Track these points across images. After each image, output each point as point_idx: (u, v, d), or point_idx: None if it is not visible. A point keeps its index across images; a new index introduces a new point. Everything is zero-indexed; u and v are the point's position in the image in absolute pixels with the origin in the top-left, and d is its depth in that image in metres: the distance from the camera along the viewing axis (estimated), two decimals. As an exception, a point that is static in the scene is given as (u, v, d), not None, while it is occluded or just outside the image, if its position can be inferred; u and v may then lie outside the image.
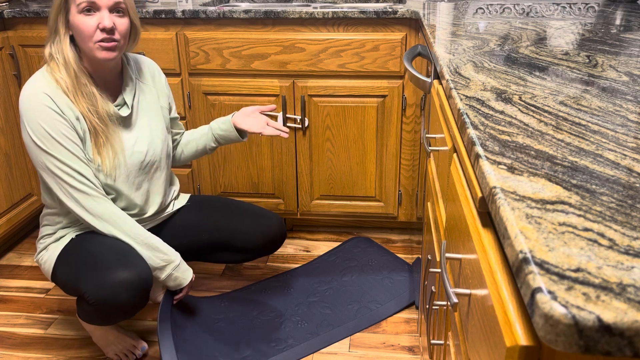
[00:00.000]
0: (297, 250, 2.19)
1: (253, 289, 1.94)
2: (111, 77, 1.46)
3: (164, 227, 1.66)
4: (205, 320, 1.75)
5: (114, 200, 1.48)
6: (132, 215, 1.51)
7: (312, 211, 2.21)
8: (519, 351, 0.47)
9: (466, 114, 0.79)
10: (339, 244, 2.21)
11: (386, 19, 1.91)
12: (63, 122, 1.36)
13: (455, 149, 0.91)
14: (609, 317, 0.39)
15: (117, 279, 1.33)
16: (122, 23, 1.38)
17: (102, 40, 1.35)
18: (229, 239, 1.65)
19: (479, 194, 0.67)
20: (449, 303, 0.79)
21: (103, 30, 1.34)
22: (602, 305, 0.40)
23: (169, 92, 1.62)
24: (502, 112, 0.80)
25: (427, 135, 1.29)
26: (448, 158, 0.97)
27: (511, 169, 0.61)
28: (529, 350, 0.47)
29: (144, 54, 1.99)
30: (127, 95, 1.49)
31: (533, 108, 0.82)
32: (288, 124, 2.06)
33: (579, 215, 0.52)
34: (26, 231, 2.33)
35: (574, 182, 0.58)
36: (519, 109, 0.82)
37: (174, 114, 1.66)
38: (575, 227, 0.50)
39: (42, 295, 1.94)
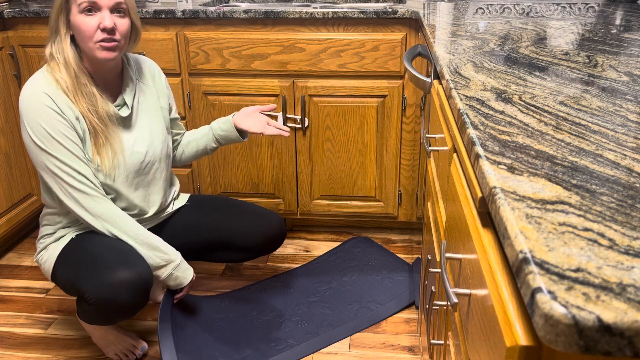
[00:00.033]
0: (297, 250, 2.19)
1: (253, 289, 1.94)
2: (111, 78, 1.46)
3: (164, 227, 1.66)
4: (206, 320, 1.75)
5: (114, 200, 1.48)
6: (132, 216, 1.51)
7: (312, 211, 2.21)
8: (519, 351, 0.47)
9: (466, 114, 0.79)
10: (339, 244, 2.21)
11: (386, 19, 1.91)
12: (63, 121, 1.36)
13: (455, 149, 0.92)
14: (609, 317, 0.39)
15: (117, 278, 1.33)
16: (123, 23, 1.38)
17: (102, 40, 1.35)
18: (229, 238, 1.65)
19: (479, 194, 0.67)
20: (449, 303, 0.79)
21: (104, 30, 1.34)
22: (602, 305, 0.40)
23: (169, 93, 1.62)
24: (502, 112, 0.80)
25: (427, 135, 1.29)
26: (448, 158, 0.97)
27: (511, 169, 0.61)
28: (529, 350, 0.47)
29: (144, 54, 2.00)
30: (127, 96, 1.49)
31: (533, 108, 0.82)
32: (288, 124, 2.06)
33: (579, 215, 0.52)
34: (26, 231, 2.33)
35: (574, 182, 0.58)
36: (519, 109, 0.82)
37: (174, 114, 1.66)
38: (575, 227, 0.50)
39: (42, 295, 1.94)
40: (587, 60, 1.11)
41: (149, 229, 1.58)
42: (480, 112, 0.80)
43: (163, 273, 1.47)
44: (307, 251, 2.18)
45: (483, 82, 0.96)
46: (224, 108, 2.08)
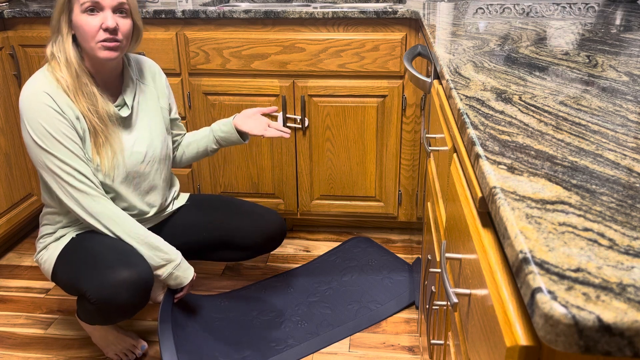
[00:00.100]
0: (297, 250, 2.19)
1: (253, 288, 1.94)
2: (112, 78, 1.47)
3: (164, 227, 1.66)
4: (206, 319, 1.75)
5: (113, 200, 1.48)
6: (132, 216, 1.51)
7: (312, 211, 2.21)
8: (519, 351, 0.47)
9: (466, 114, 0.79)
10: (339, 244, 2.21)
11: (386, 19, 1.91)
12: (63, 121, 1.36)
13: (455, 149, 0.92)
14: (609, 317, 0.39)
15: (117, 278, 1.33)
16: (125, 24, 1.38)
17: (104, 40, 1.35)
18: (229, 237, 1.65)
19: (479, 194, 0.67)
20: (449, 303, 0.79)
21: (106, 30, 1.34)
22: (602, 305, 0.40)
23: (169, 93, 1.62)
24: (502, 112, 0.80)
25: (427, 135, 1.29)
26: (448, 158, 0.97)
27: (511, 169, 0.61)
28: (529, 350, 0.47)
29: (144, 54, 2.00)
30: (128, 96, 1.49)
31: (533, 108, 0.82)
32: (288, 124, 2.06)
33: (579, 215, 0.52)
34: (26, 231, 2.33)
35: (574, 182, 0.58)
36: (519, 109, 0.82)
37: (175, 114, 1.66)
38: (575, 227, 0.50)
39: (42, 295, 1.94)
40: (587, 60, 1.11)
41: (149, 229, 1.58)
42: (480, 112, 0.80)
43: (163, 273, 1.47)
44: (307, 251, 2.18)
45: (483, 82, 0.96)
46: (224, 108, 2.08)
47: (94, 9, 1.34)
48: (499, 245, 0.62)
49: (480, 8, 1.91)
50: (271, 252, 2.17)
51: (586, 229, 0.49)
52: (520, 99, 0.86)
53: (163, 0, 2.12)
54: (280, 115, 2.04)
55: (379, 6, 1.95)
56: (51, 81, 1.37)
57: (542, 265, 0.44)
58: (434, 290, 1.02)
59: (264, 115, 1.73)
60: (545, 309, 0.40)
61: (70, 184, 1.38)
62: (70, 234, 1.49)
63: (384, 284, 1.94)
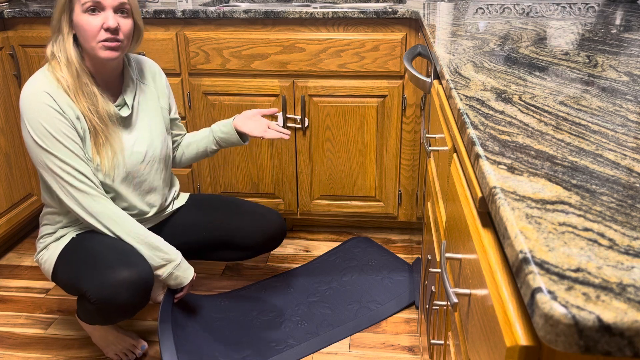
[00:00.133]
0: (297, 250, 2.19)
1: (253, 288, 1.94)
2: (112, 78, 1.47)
3: (164, 226, 1.66)
4: (206, 319, 1.75)
5: (114, 200, 1.48)
6: (132, 216, 1.51)
7: (312, 211, 2.21)
8: (519, 351, 0.47)
9: (466, 114, 0.79)
10: (339, 244, 2.21)
11: (386, 19, 1.91)
12: (63, 121, 1.36)
13: (455, 149, 0.92)
14: (609, 317, 0.39)
15: (117, 278, 1.33)
16: (126, 24, 1.38)
17: (105, 40, 1.35)
18: (229, 237, 1.65)
19: (479, 194, 0.67)
20: (449, 303, 0.79)
21: (107, 30, 1.34)
22: (602, 305, 0.40)
23: (169, 93, 1.62)
24: (502, 112, 0.80)
25: (427, 135, 1.29)
26: (448, 158, 0.97)
27: (511, 169, 0.61)
28: (529, 350, 0.47)
29: (144, 54, 2.00)
30: (128, 96, 1.49)
31: (533, 108, 0.82)
32: (288, 124, 2.06)
33: (579, 215, 0.52)
34: (26, 231, 2.33)
35: (574, 182, 0.58)
36: (519, 109, 0.82)
37: (174, 114, 1.66)
38: (575, 227, 0.50)
39: (42, 295, 1.94)
40: (587, 60, 1.11)
41: (149, 229, 1.58)
42: (480, 112, 0.80)
43: (163, 272, 1.47)
44: (307, 251, 2.18)
45: (483, 82, 0.96)
46: (224, 108, 2.08)
47: (95, 8, 1.34)
48: (499, 245, 0.62)
49: (480, 8, 1.91)
50: (271, 252, 2.17)
51: (586, 229, 0.50)
52: (520, 99, 0.86)
53: (163, 0, 2.12)
54: (280, 115, 2.04)
55: (379, 6, 1.95)
56: (51, 81, 1.37)
57: (542, 265, 0.44)
58: (434, 290, 1.02)
59: (264, 116, 1.73)
60: (545, 309, 0.40)
61: (70, 183, 1.38)
62: (70, 234, 1.49)
63: (384, 284, 1.94)
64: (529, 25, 1.53)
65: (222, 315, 1.79)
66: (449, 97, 0.95)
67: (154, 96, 1.56)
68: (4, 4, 2.14)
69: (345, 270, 2.02)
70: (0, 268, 2.10)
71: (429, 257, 1.15)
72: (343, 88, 2.00)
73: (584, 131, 0.72)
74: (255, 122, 1.63)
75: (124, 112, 1.47)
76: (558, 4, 1.97)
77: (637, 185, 0.57)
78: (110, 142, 1.43)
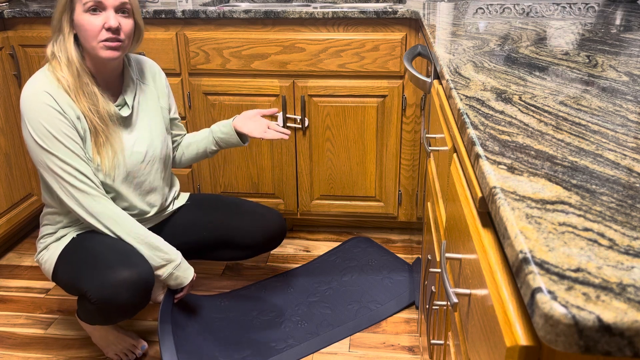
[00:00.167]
0: (297, 250, 2.19)
1: (253, 288, 1.94)
2: (113, 78, 1.47)
3: (165, 226, 1.66)
4: (206, 319, 1.75)
5: (114, 200, 1.48)
6: (133, 216, 1.52)
7: (312, 211, 2.21)
8: (519, 351, 0.47)
9: (466, 114, 0.79)
10: (339, 244, 2.21)
11: (386, 19, 1.91)
12: (64, 121, 1.36)
13: (455, 149, 0.92)
14: (609, 317, 0.39)
15: (118, 278, 1.33)
16: (127, 23, 1.38)
17: (106, 40, 1.35)
18: (229, 236, 1.65)
19: (479, 194, 0.67)
20: (449, 303, 0.79)
21: (109, 29, 1.34)
22: (602, 305, 0.40)
23: (168, 92, 1.62)
24: (502, 112, 0.80)
25: (427, 135, 1.29)
26: (448, 158, 0.97)
27: (511, 169, 0.61)
28: (529, 350, 0.47)
29: (144, 54, 2.00)
30: (128, 96, 1.49)
31: (533, 108, 0.82)
32: (288, 124, 2.06)
33: (579, 215, 0.52)
34: (26, 231, 2.33)
35: (574, 182, 0.58)
36: (519, 109, 0.82)
37: (174, 114, 1.66)
38: (575, 227, 0.50)
39: (42, 295, 1.94)
40: (587, 60, 1.11)
41: (149, 229, 1.58)
42: (480, 112, 0.80)
43: (164, 273, 1.47)
44: (307, 251, 2.18)
45: (483, 82, 0.96)
46: (224, 108, 2.08)
47: (97, 8, 1.34)
48: (499, 245, 0.62)
49: (480, 8, 1.91)
50: (271, 252, 2.17)
51: (586, 229, 0.50)
52: (520, 99, 0.86)
53: (163, 0, 2.12)
54: (280, 115, 2.04)
55: (379, 6, 1.95)
56: (52, 81, 1.37)
57: (542, 265, 0.44)
58: (434, 290, 1.02)
59: (264, 116, 1.73)
60: (545, 309, 0.40)
61: (71, 183, 1.38)
62: (70, 234, 1.49)
63: (384, 284, 1.94)
64: (529, 25, 1.53)
65: (222, 315, 1.80)
66: (449, 97, 0.95)
67: (154, 96, 1.56)
68: (4, 4, 2.14)
69: (345, 270, 2.03)
70: (0, 268, 2.10)
71: (429, 257, 1.15)
72: (343, 88, 2.00)
73: (584, 131, 0.72)
74: (255, 123, 1.62)
75: (124, 112, 1.47)
76: (558, 4, 1.97)
77: (637, 185, 0.57)
78: (110, 142, 1.43)
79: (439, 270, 0.86)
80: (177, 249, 1.54)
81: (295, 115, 2.05)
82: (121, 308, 1.35)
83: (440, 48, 1.25)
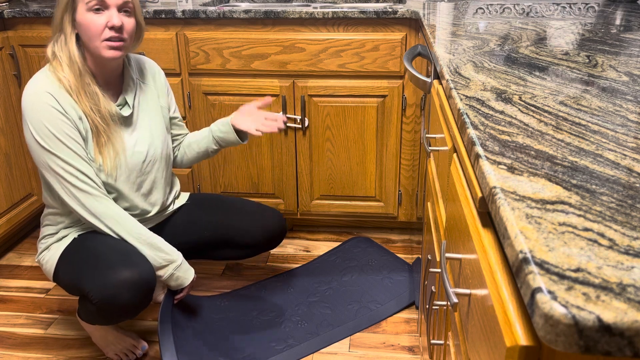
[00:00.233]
0: (297, 250, 2.19)
1: (253, 288, 1.94)
2: (113, 77, 1.47)
3: (165, 226, 1.66)
4: (206, 320, 1.75)
5: (116, 200, 1.48)
6: (134, 215, 1.52)
7: (312, 211, 2.21)
8: (519, 351, 0.47)
9: (466, 114, 0.79)
10: (339, 244, 2.21)
11: (386, 19, 1.91)
12: (66, 121, 1.36)
13: (455, 149, 0.92)
14: (609, 317, 0.39)
15: (119, 278, 1.33)
16: (129, 22, 1.39)
17: (110, 39, 1.35)
18: (230, 235, 1.65)
19: (479, 194, 0.67)
20: (449, 303, 0.79)
21: (112, 28, 1.34)
22: (602, 305, 0.40)
23: (168, 91, 1.62)
24: (502, 112, 0.80)
25: (427, 135, 1.29)
26: (448, 158, 0.97)
27: (511, 169, 0.61)
28: (529, 350, 0.47)
29: (144, 54, 2.00)
30: (129, 95, 1.49)
31: (533, 108, 0.82)
32: (288, 124, 2.06)
33: (579, 215, 0.52)
34: (26, 231, 2.33)
35: (574, 182, 0.58)
36: (519, 109, 0.82)
37: (175, 113, 1.65)
38: (575, 227, 0.50)
39: (42, 295, 1.94)
40: (587, 60, 1.11)
41: (150, 229, 1.58)
42: (480, 112, 0.80)
43: (165, 273, 1.47)
44: (307, 251, 2.18)
45: (483, 82, 0.96)
46: (224, 108, 2.08)
47: (100, 7, 1.34)
48: (499, 245, 0.62)
49: (480, 8, 1.91)
50: (271, 252, 2.17)
51: (586, 229, 0.50)
52: (520, 99, 0.87)
53: (163, 0, 2.12)
54: (280, 115, 2.04)
55: (379, 6, 1.95)
56: (53, 81, 1.37)
57: (542, 265, 0.44)
58: (434, 290, 1.02)
59: (261, 109, 1.69)
60: (545, 309, 0.40)
61: (73, 184, 1.38)
62: (72, 235, 1.49)
63: (384, 284, 1.94)
64: (529, 25, 1.53)
65: (222, 315, 1.80)
66: (449, 97, 0.95)
67: (154, 95, 1.56)
68: (4, 4, 2.14)
69: (345, 270, 2.03)
70: (0, 268, 2.10)
71: (429, 257, 1.15)
72: (343, 88, 2.00)
73: (584, 131, 0.72)
74: (252, 117, 1.61)
75: (125, 112, 1.47)
76: (558, 4, 1.97)
77: (637, 185, 0.57)
78: (112, 142, 1.43)
79: (439, 270, 0.86)
80: (178, 248, 1.54)
81: (295, 115, 2.05)
82: (122, 308, 1.35)
83: (440, 48, 1.25)
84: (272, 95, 2.03)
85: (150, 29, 2.00)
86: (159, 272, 1.46)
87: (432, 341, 0.95)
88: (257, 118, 1.60)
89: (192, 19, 1.98)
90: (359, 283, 1.95)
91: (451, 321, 0.85)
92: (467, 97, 0.88)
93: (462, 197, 0.78)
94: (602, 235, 0.49)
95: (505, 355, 0.48)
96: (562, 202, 0.54)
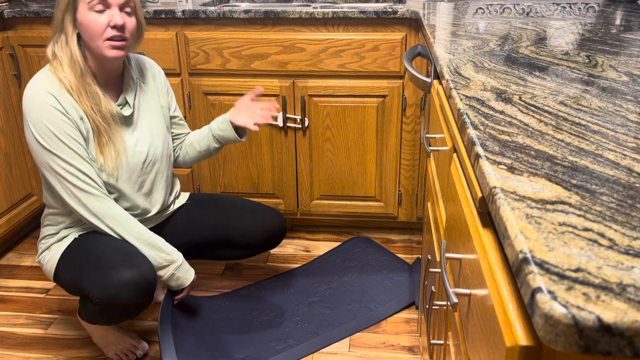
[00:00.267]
0: (297, 250, 2.19)
1: (253, 289, 1.94)
2: (113, 77, 1.47)
3: (165, 226, 1.66)
4: (206, 320, 1.75)
5: (116, 200, 1.48)
6: (135, 215, 1.52)
7: (312, 211, 2.21)
8: (519, 351, 0.47)
9: (466, 114, 0.79)
10: (339, 244, 2.21)
11: (386, 19, 1.91)
12: (67, 121, 1.36)
13: (455, 149, 0.92)
14: (609, 317, 0.39)
15: (120, 278, 1.33)
16: (131, 21, 1.39)
17: (112, 39, 1.35)
18: (229, 235, 1.65)
19: (479, 194, 0.67)
20: (449, 303, 0.79)
21: (114, 27, 1.34)
22: (602, 305, 0.40)
23: (168, 90, 1.62)
24: (502, 112, 0.80)
25: (427, 135, 1.29)
26: (448, 158, 0.97)
27: (511, 169, 0.61)
28: (529, 350, 0.47)
29: (144, 54, 2.00)
30: (129, 95, 1.49)
31: (533, 108, 0.82)
32: (288, 124, 2.06)
33: (579, 215, 0.52)
34: (26, 231, 2.33)
35: (574, 182, 0.58)
36: (519, 109, 0.82)
37: (175, 112, 1.65)
38: (575, 227, 0.50)
39: (42, 295, 1.94)
40: (587, 60, 1.11)
41: (150, 229, 1.58)
42: (480, 112, 0.80)
43: (165, 273, 1.47)
44: (307, 251, 2.18)
45: (483, 82, 0.96)
46: (224, 108, 2.08)
47: (102, 7, 1.34)
48: (499, 245, 0.62)
49: (480, 8, 1.91)
50: (271, 252, 2.17)
51: (586, 229, 0.50)
52: (520, 99, 0.87)
53: (163, 0, 2.12)
54: (280, 115, 2.04)
55: (379, 6, 1.95)
56: (54, 81, 1.37)
57: (542, 265, 0.44)
58: (434, 290, 1.02)
59: (255, 100, 1.68)
60: (545, 309, 0.40)
61: (74, 184, 1.38)
62: (73, 235, 1.49)
63: (384, 284, 1.94)
64: (529, 25, 1.53)
65: (222, 315, 1.80)
66: (449, 97, 0.95)
67: (154, 95, 1.56)
68: (4, 4, 2.14)
69: (345, 270, 2.03)
70: (0, 268, 2.10)
71: (429, 257, 1.15)
72: (343, 88, 2.00)
73: (584, 131, 0.72)
74: (248, 111, 1.60)
75: (126, 112, 1.47)
76: (558, 4, 1.97)
77: (637, 185, 0.57)
78: (113, 142, 1.43)
79: (439, 270, 0.86)
80: (178, 248, 1.54)
81: (295, 115, 2.05)
82: (123, 308, 1.35)
83: (440, 48, 1.25)
84: (272, 96, 2.03)
85: (150, 29, 2.00)
86: (160, 272, 1.47)
87: (432, 341, 0.95)
88: (253, 111, 1.60)
89: (192, 19, 1.98)
90: (359, 283, 1.95)
91: (451, 321, 0.85)
92: (467, 97, 0.88)
93: (462, 197, 0.78)
94: (602, 235, 0.49)
95: (505, 355, 0.48)
96: (562, 202, 0.54)
